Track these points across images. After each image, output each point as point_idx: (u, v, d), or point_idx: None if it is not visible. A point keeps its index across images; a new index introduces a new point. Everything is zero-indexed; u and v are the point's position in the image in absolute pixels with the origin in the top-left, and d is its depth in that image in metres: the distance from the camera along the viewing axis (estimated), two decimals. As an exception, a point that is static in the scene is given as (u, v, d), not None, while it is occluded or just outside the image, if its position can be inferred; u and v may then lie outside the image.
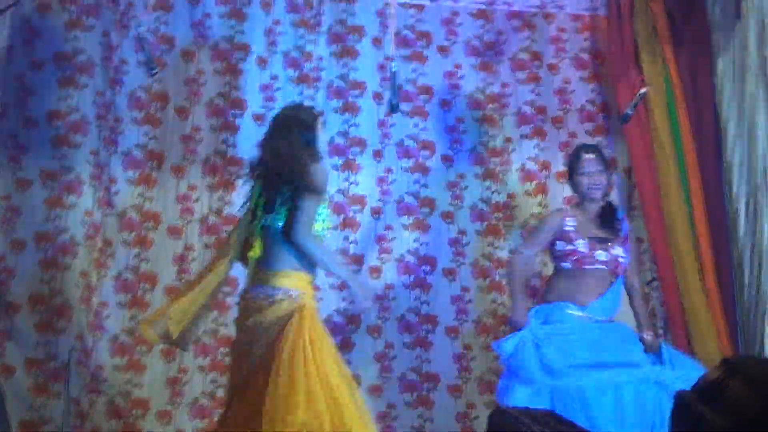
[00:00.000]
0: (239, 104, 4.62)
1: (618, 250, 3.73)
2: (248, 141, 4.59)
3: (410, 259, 4.67)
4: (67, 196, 4.41)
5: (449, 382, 4.57)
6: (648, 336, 3.75)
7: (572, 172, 3.86)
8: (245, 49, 4.67)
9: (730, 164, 4.48)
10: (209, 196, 4.54)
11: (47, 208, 4.39)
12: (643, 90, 4.24)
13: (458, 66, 4.88)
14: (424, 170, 4.76)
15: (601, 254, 3.67)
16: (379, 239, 4.64)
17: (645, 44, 4.66)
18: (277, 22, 4.72)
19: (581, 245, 3.67)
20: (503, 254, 4.68)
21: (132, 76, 4.54)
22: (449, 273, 4.68)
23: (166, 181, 4.53)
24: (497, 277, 4.66)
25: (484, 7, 4.96)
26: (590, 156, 3.82)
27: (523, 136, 4.88)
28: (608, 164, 3.93)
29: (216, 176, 4.56)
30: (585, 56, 5.00)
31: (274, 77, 4.69)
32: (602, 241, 3.71)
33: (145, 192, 4.50)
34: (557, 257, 3.76)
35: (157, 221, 4.48)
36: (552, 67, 4.96)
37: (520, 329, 3.58)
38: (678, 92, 4.62)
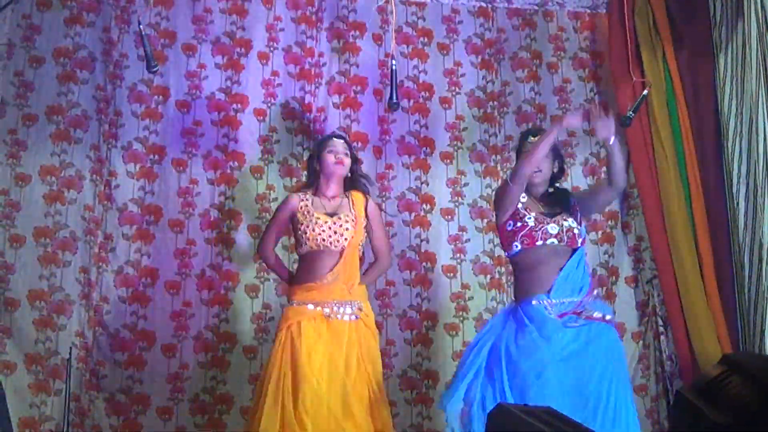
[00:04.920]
0: (240, 99, 4.63)
1: (569, 221, 3.52)
2: (250, 136, 4.62)
3: (411, 255, 4.67)
4: (67, 191, 4.41)
5: (448, 380, 4.56)
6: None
7: (518, 154, 3.73)
8: (246, 44, 4.68)
9: (731, 162, 4.48)
10: (211, 191, 4.55)
11: (47, 204, 4.39)
12: (645, 92, 4.21)
13: (459, 63, 4.88)
14: (425, 167, 4.76)
15: (551, 227, 3.48)
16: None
17: (645, 41, 4.66)
18: (278, 18, 4.74)
19: (530, 219, 3.50)
20: (503, 252, 4.67)
21: (132, 71, 4.55)
22: (449, 270, 4.67)
23: (167, 175, 4.53)
24: (497, 275, 4.67)
25: (484, 5, 4.96)
26: (533, 140, 3.62)
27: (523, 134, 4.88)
28: (557, 152, 3.69)
29: (217, 171, 4.56)
30: (584, 56, 5.01)
31: (275, 73, 4.69)
32: (551, 215, 3.53)
33: (146, 186, 4.51)
34: (509, 240, 3.55)
35: (158, 215, 4.49)
36: (551, 66, 4.97)
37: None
38: (678, 90, 4.63)
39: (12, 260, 4.32)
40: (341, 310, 3.60)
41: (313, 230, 3.65)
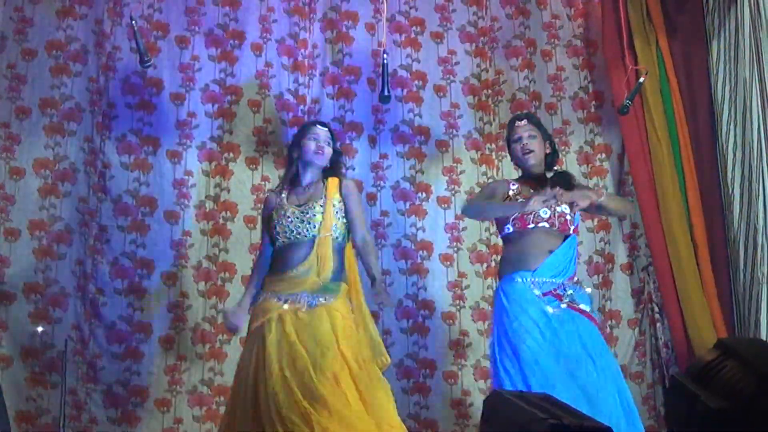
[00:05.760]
0: (235, 90, 4.63)
1: (563, 207, 3.54)
2: (244, 127, 4.61)
3: (407, 244, 4.67)
4: (61, 183, 4.41)
5: (445, 368, 4.58)
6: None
7: (508, 142, 3.80)
8: (239, 36, 4.68)
9: (725, 148, 4.49)
10: (206, 182, 4.54)
11: (41, 197, 4.38)
12: (641, 79, 4.22)
13: (452, 52, 4.88)
14: (420, 156, 4.75)
15: (543, 211, 3.52)
16: (375, 225, 4.64)
17: (639, 29, 4.66)
18: (271, 10, 4.73)
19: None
20: (500, 240, 4.67)
21: (125, 63, 4.55)
22: (446, 259, 4.68)
23: (162, 167, 4.53)
24: (494, 263, 4.67)
25: (477, -7, 4.95)
26: (521, 123, 3.72)
27: (517, 122, 4.88)
28: (545, 133, 3.78)
29: (212, 162, 4.56)
30: (578, 43, 5.00)
31: (269, 64, 4.68)
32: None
33: (140, 177, 4.50)
34: (502, 223, 3.65)
35: (153, 207, 4.48)
36: (545, 54, 4.96)
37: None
38: (672, 77, 4.63)
39: (7, 253, 4.32)
40: (309, 300, 3.45)
41: (282, 223, 3.56)
